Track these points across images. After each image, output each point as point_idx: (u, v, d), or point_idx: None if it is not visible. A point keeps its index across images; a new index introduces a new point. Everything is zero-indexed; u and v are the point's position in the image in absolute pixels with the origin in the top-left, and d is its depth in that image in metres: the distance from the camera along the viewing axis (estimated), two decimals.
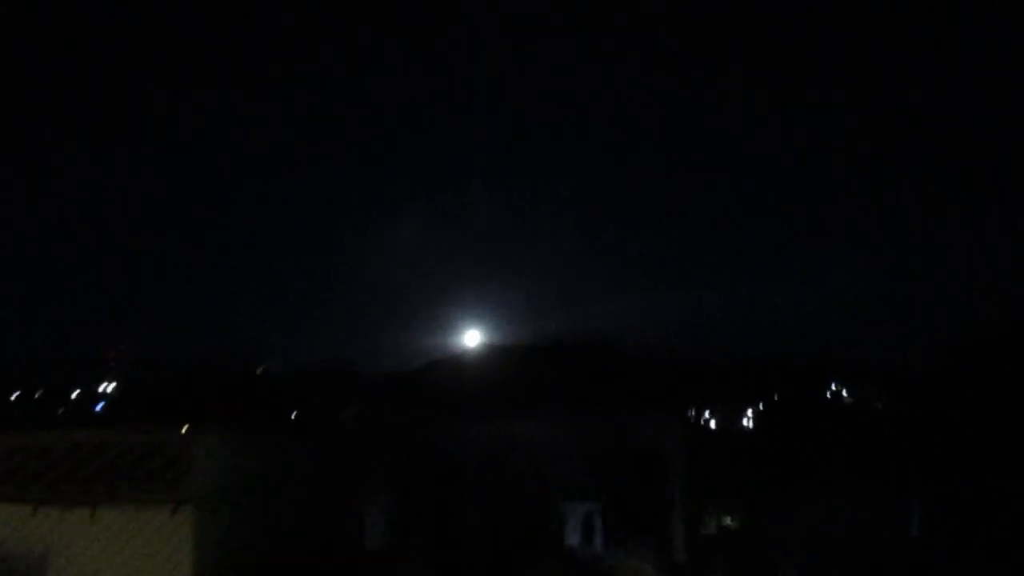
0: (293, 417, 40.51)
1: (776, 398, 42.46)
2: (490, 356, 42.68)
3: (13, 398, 46.00)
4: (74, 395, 49.32)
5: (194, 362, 46.02)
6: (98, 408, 48.52)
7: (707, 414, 44.85)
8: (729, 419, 43.72)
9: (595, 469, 19.09)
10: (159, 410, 35.72)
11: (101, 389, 50.74)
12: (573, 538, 18.84)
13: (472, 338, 44.55)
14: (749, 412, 43.77)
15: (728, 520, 21.79)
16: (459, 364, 41.40)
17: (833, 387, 42.12)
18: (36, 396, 47.35)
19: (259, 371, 47.74)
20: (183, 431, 14.24)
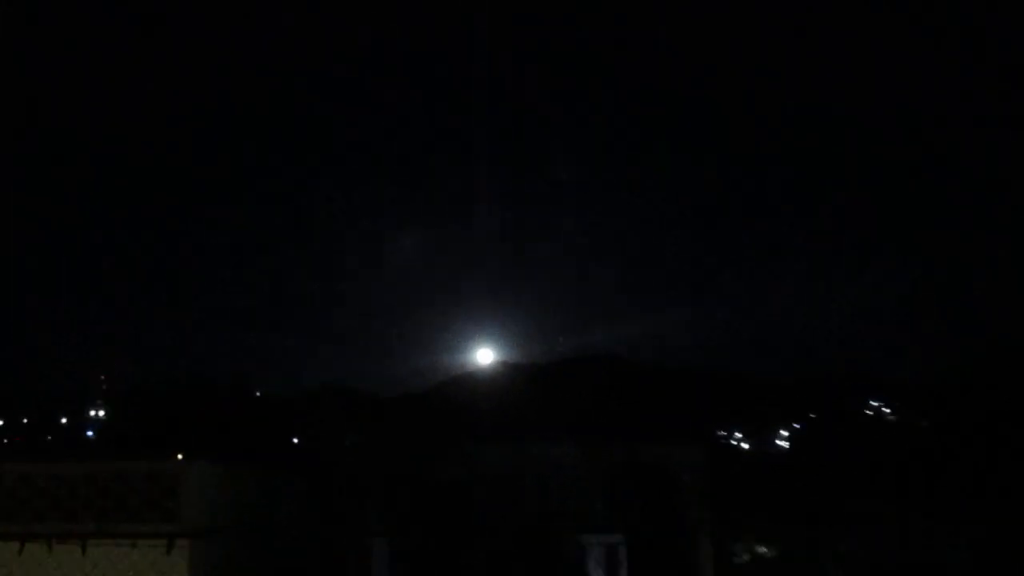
0: (293, 444, 40.54)
1: (813, 417, 42.23)
2: (502, 375, 42.92)
3: None
4: (63, 421, 50.01)
5: (189, 387, 44.83)
6: (89, 435, 48.98)
7: (737, 435, 44.78)
8: (762, 440, 43.34)
9: (616, 497, 19.02)
10: (152, 438, 35.81)
11: (91, 415, 51.42)
12: (596, 573, 18.65)
13: (485, 356, 45.41)
14: (783, 432, 43.65)
15: (763, 549, 21.53)
16: (469, 384, 42.06)
17: (873, 404, 41.67)
18: (23, 422, 47.93)
19: (257, 396, 47.32)
20: (177, 460, 14.37)
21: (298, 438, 41.27)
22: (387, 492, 18.25)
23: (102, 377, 54.27)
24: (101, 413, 51.99)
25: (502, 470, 19.73)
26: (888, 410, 40.51)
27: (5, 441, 45.91)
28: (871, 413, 41.49)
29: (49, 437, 46.47)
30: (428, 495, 18.50)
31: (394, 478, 19.11)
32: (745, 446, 44.02)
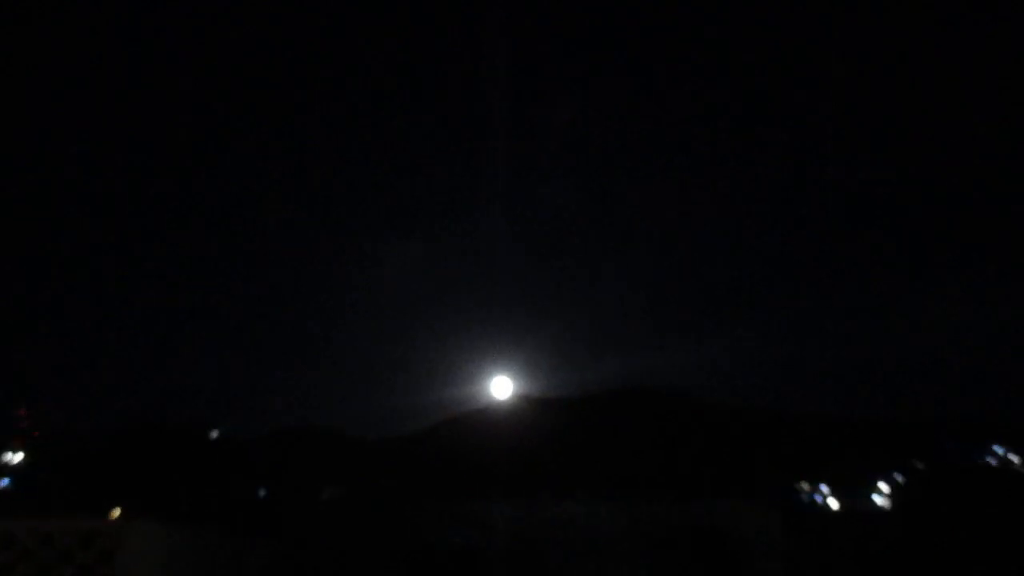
0: (260, 496, 41.23)
1: (919, 467, 41.66)
2: (521, 411, 42.71)
3: None
4: None
5: (130, 426, 46.36)
6: (3, 485, 49.38)
7: (821, 490, 44.40)
8: (853, 496, 42.74)
9: (664, 569, 18.93)
10: (85, 490, 36.97)
11: (6, 461, 51.89)
12: None
13: (501, 388, 44.22)
14: (882, 486, 43.52)
15: None
16: (480, 423, 41.51)
17: (997, 451, 41.01)
18: None
19: (214, 437, 47.13)
20: (115, 519, 14.51)
21: (266, 489, 41.70)
22: (374, 560, 18.39)
23: (21, 413, 54.73)
24: (19, 458, 52.39)
25: (522, 533, 19.76)
26: (1016, 458, 40.00)
27: None
28: (994, 462, 40.99)
29: None
30: (427, 565, 18.62)
31: (384, 541, 19.24)
32: (832, 503, 43.66)
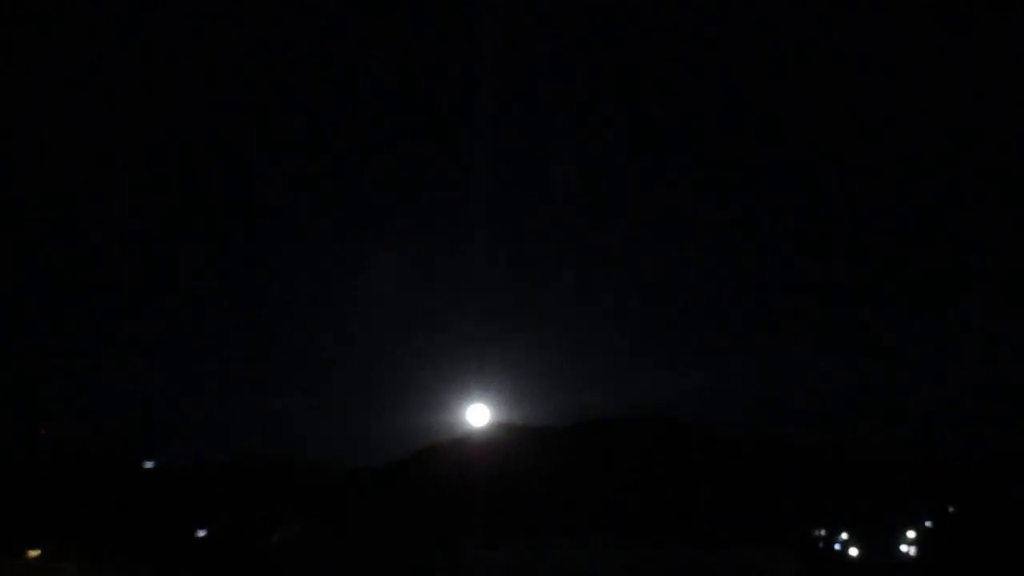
0: (201, 533, 40.29)
1: (951, 511, 41.06)
2: (502, 441, 41.61)
3: None
4: None
5: (48, 453, 45.53)
6: None
7: (840, 535, 44.02)
8: (877, 542, 42.77)
9: None
10: None
11: None
12: None
13: (477, 416, 43.03)
14: (909, 534, 42.97)
15: None
16: (460, 452, 40.90)
17: None
18: None
19: (148, 467, 46.69)
20: (31, 557, 13.81)
21: (207, 528, 40.39)
22: None
23: None
24: None
25: None
26: None
27: None
28: None
29: None
30: None
31: None
32: (852, 552, 43.09)
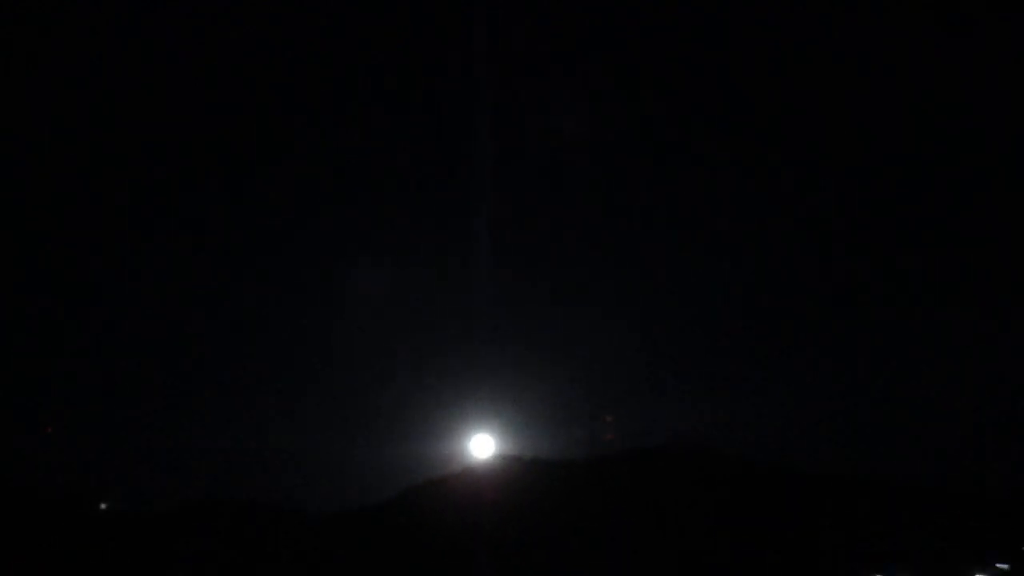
0: None
1: None
2: (501, 476, 41.05)
3: None
4: None
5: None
6: None
7: None
8: None
9: None
10: None
11: None
12: None
13: (481, 447, 43.06)
14: None
15: None
16: (456, 491, 39.75)
17: None
18: None
19: (102, 509, 46.16)
20: None
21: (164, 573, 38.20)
22: None
23: None
24: None
25: None
26: None
27: None
28: None
29: None
30: None
31: None
32: None
